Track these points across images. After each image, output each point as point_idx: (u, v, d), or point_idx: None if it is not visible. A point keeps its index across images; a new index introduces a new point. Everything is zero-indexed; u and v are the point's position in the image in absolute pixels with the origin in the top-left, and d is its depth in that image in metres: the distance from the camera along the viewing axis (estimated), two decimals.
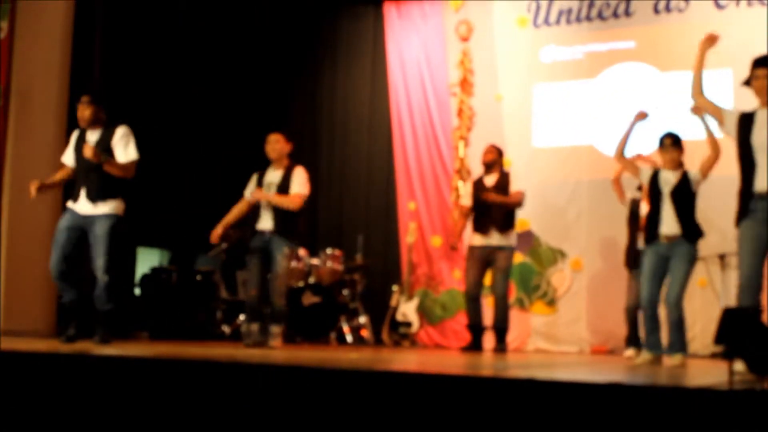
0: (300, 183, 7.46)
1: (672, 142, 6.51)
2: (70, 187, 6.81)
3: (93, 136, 6.68)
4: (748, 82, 5.62)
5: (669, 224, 6.35)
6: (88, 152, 6.42)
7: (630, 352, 7.80)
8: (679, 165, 6.51)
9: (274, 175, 7.52)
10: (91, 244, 6.52)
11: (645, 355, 6.36)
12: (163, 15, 10.26)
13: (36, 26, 8.56)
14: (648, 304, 6.36)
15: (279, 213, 7.38)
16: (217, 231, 7.51)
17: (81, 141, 6.74)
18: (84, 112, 6.69)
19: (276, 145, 7.54)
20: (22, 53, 8.48)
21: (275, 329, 7.30)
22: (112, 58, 9.30)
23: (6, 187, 8.25)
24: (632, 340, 7.88)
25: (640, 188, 8.22)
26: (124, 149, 6.59)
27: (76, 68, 8.84)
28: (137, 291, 9.66)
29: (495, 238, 8.20)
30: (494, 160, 8.46)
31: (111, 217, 6.55)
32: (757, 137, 5.37)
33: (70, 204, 6.68)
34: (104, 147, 6.57)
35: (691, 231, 6.32)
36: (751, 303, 5.19)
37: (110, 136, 6.60)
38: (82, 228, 6.56)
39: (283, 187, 7.43)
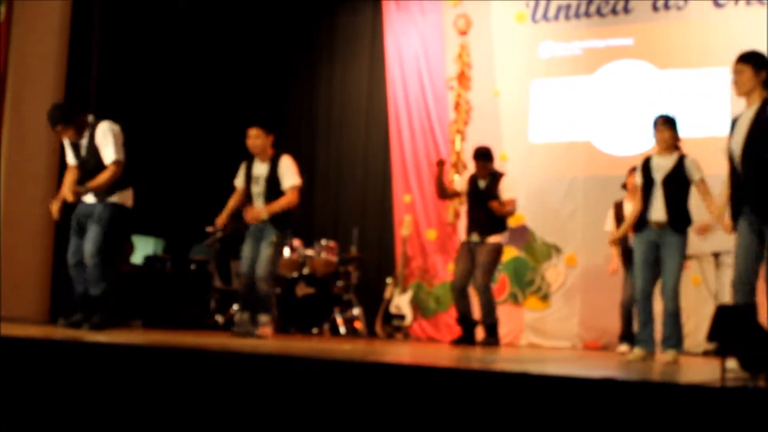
0: (290, 174, 7.32)
1: (664, 121, 6.46)
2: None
3: (85, 141, 6.71)
4: None
5: (658, 211, 6.32)
6: (69, 197, 6.58)
7: (623, 347, 7.82)
8: (673, 148, 6.44)
9: (261, 168, 7.39)
10: (87, 227, 6.57)
11: (637, 352, 6.36)
12: (162, 6, 10.24)
13: (34, 12, 8.52)
14: (642, 294, 6.34)
15: (271, 202, 7.31)
16: (222, 218, 7.50)
17: (75, 144, 6.79)
18: (63, 135, 6.74)
19: (257, 140, 7.34)
20: (20, 39, 8.45)
21: (263, 318, 7.24)
22: (109, 46, 9.28)
23: (2, 175, 8.22)
24: (626, 335, 7.90)
25: (624, 186, 8.24)
26: (105, 150, 6.61)
27: (73, 55, 8.81)
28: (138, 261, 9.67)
29: (481, 237, 8.23)
30: (488, 173, 8.34)
31: (111, 206, 6.59)
32: (734, 140, 5.36)
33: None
34: (93, 150, 6.61)
35: (679, 219, 6.28)
36: (745, 301, 5.20)
37: (93, 137, 6.64)
38: (88, 216, 6.62)
39: (272, 180, 7.30)
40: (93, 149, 6.64)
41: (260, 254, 7.22)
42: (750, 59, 5.38)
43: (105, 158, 6.60)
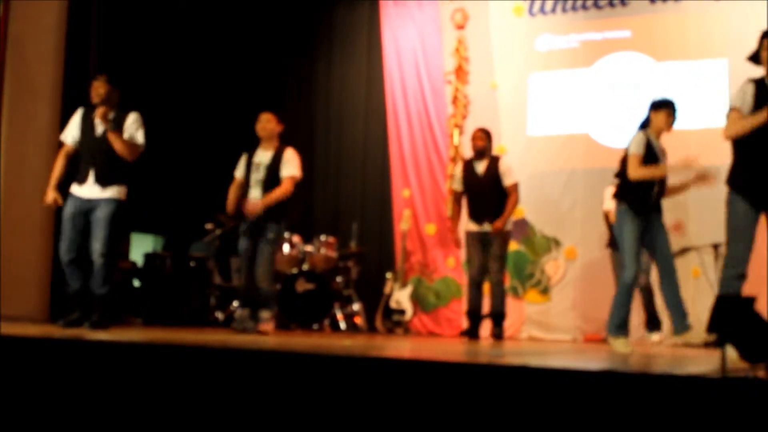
0: (291, 165, 7.31)
1: (674, 109, 6.44)
2: (70, 172, 6.82)
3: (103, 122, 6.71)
4: (755, 57, 5.49)
5: (659, 193, 6.30)
6: (100, 113, 6.53)
7: (656, 336, 7.75)
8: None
9: (263, 156, 7.39)
10: (92, 226, 6.54)
11: (627, 342, 6.30)
12: (160, 2, 10.24)
13: (31, 9, 8.52)
14: (635, 281, 6.26)
15: (268, 191, 7.28)
16: (231, 203, 7.43)
17: (88, 120, 6.76)
18: (99, 89, 6.72)
19: (267, 124, 7.41)
20: (17, 36, 8.45)
21: (265, 314, 7.21)
22: (108, 44, 9.27)
23: (1, 173, 8.23)
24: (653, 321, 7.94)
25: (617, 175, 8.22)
26: (134, 133, 6.64)
27: (71, 53, 8.81)
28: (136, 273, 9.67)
29: (489, 226, 8.19)
30: (484, 147, 8.35)
31: (113, 202, 6.58)
32: None
33: (73, 188, 6.68)
34: (115, 129, 6.62)
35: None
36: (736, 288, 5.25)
37: (123, 120, 6.64)
38: (85, 212, 6.58)
39: (273, 168, 7.29)
40: (113, 128, 6.64)
41: (259, 253, 7.19)
42: None
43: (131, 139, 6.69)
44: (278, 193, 7.22)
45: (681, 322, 6.18)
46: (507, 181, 8.18)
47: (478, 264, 8.18)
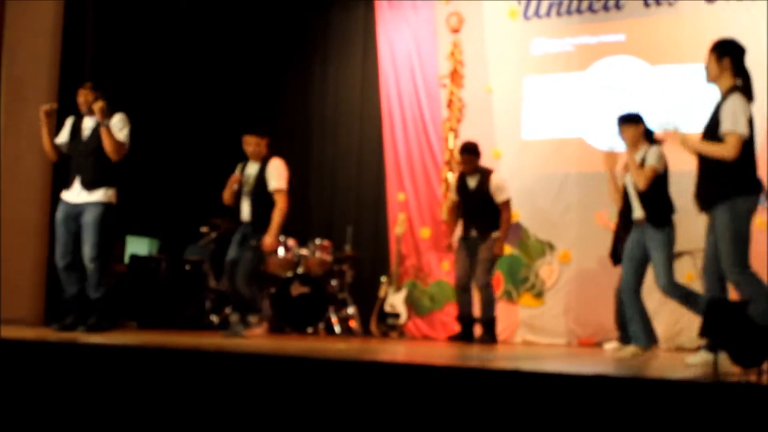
0: (276, 177, 7.45)
1: (621, 122, 6.44)
2: (64, 176, 6.85)
3: (90, 122, 6.74)
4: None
5: (636, 209, 6.28)
6: (97, 106, 6.56)
7: (613, 344, 7.76)
8: (641, 143, 6.38)
9: (252, 168, 7.57)
10: (81, 231, 6.57)
11: (630, 349, 6.30)
12: (155, 4, 10.24)
13: (27, 14, 8.52)
14: (625, 287, 6.27)
15: (256, 206, 7.42)
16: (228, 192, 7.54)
17: (77, 127, 6.81)
18: (88, 96, 6.79)
19: (254, 147, 7.52)
20: (13, 42, 8.45)
21: (252, 319, 7.33)
22: (103, 47, 9.28)
23: None
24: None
25: None
26: (118, 132, 6.67)
27: (67, 57, 8.81)
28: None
29: (480, 233, 8.28)
30: (473, 167, 8.42)
31: (101, 205, 6.60)
32: None
33: (63, 194, 6.73)
34: (98, 135, 6.64)
35: (655, 214, 6.17)
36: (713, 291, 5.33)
37: (108, 121, 6.68)
38: (75, 217, 6.62)
39: (260, 179, 7.46)
40: (98, 134, 6.66)
41: (240, 259, 7.34)
42: (715, 47, 5.58)
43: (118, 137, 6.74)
44: (277, 215, 7.38)
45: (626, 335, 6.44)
46: (499, 198, 8.30)
47: (462, 269, 8.29)
